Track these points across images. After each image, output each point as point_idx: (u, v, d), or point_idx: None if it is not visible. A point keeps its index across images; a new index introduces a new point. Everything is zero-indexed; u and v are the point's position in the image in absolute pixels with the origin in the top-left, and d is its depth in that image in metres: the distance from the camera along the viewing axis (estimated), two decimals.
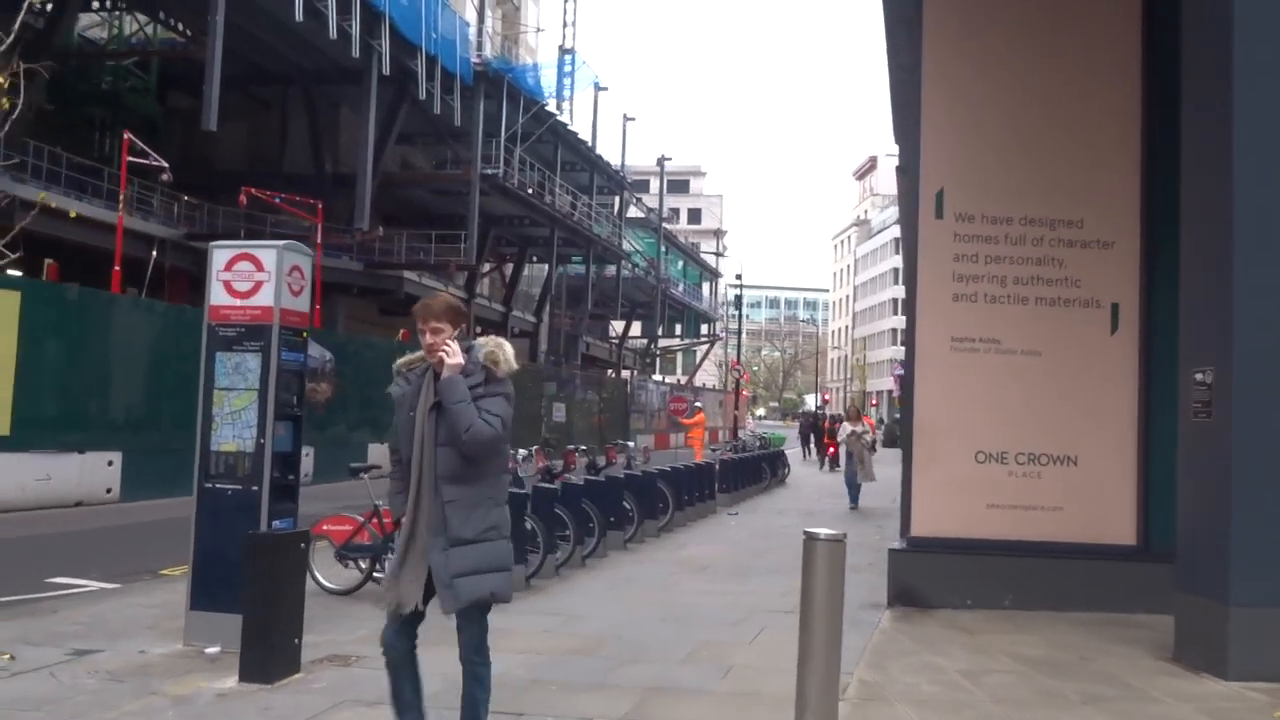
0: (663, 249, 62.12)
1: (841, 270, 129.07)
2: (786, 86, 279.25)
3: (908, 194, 18.76)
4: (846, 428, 17.84)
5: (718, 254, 69.96)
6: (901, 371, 44.48)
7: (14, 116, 7.28)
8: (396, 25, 31.36)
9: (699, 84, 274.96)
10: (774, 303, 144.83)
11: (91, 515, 13.59)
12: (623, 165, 53.39)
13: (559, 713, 5.09)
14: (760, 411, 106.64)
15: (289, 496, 6.30)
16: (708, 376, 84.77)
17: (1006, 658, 6.38)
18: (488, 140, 37.31)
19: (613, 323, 63.67)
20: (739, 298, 53.36)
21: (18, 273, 14.20)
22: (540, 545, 8.70)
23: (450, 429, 3.88)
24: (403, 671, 4.09)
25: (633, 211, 61.29)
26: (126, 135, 19.42)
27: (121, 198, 19.96)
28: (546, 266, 48.60)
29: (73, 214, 21.79)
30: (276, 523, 6.14)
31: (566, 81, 46.84)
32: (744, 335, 57.22)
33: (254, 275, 6.20)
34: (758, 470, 21.05)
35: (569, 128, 45.26)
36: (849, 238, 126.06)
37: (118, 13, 33.80)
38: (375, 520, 8.11)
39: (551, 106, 43.03)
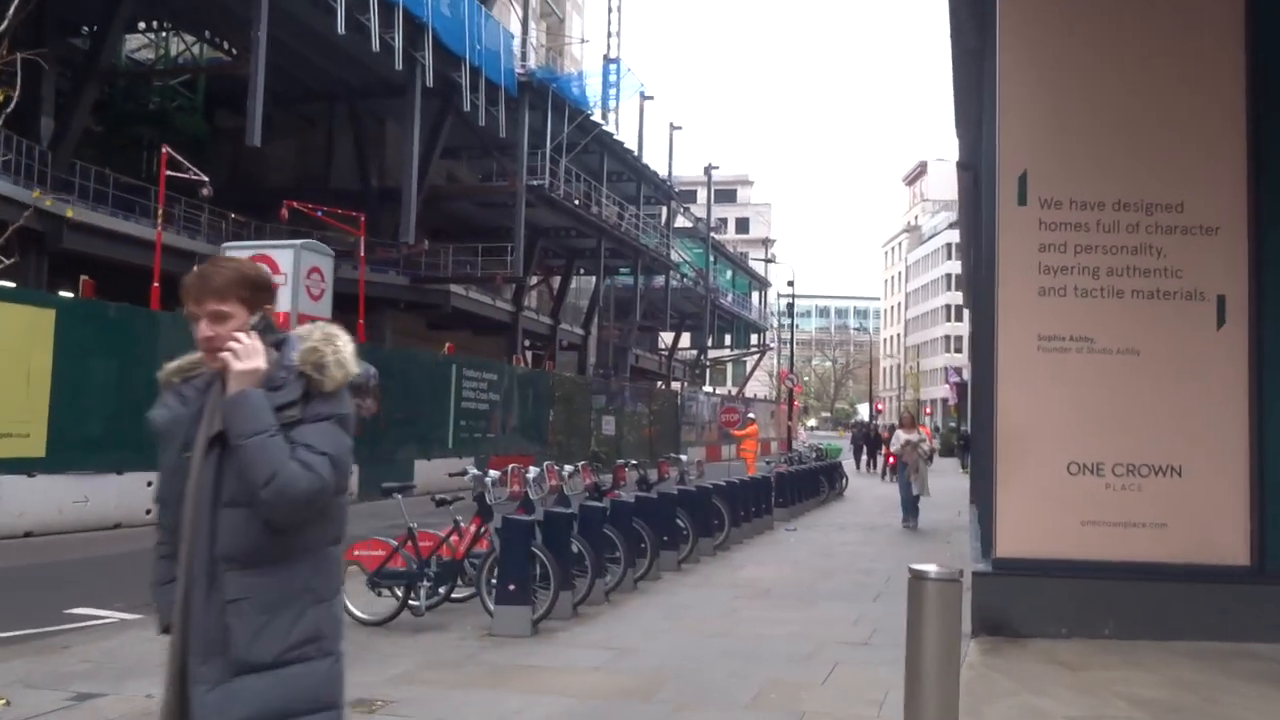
0: (711, 258, 61.39)
1: (892, 277, 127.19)
2: (833, 93, 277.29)
3: (970, 189, 17.95)
4: (900, 436, 16.42)
5: (768, 260, 68.93)
6: (958, 379, 43.33)
7: (8, 109, 6.78)
8: (440, 37, 31.16)
9: (745, 92, 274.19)
10: (824, 312, 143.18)
11: (129, 538, 13.21)
12: (669, 174, 52.83)
13: None
14: (812, 422, 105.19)
15: None
16: (758, 387, 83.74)
17: (1121, 700, 5.57)
18: (533, 151, 36.98)
19: (661, 334, 63.04)
20: (791, 305, 52.37)
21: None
22: (588, 569, 8.06)
23: (241, 478, 2.36)
24: None
25: (680, 221, 60.65)
26: (165, 150, 19.19)
27: (160, 213, 19.77)
28: (594, 278, 48.14)
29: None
30: None
31: (612, 92, 46.49)
32: (796, 343, 56.09)
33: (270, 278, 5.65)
34: (815, 483, 20.26)
35: (615, 137, 44.82)
36: (900, 244, 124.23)
37: (164, 33, 34.02)
38: (410, 544, 7.53)
39: (597, 116, 42.63)
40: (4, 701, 5.25)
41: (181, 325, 2.66)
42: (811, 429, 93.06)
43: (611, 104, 45.74)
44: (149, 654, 6.39)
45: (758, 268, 77.18)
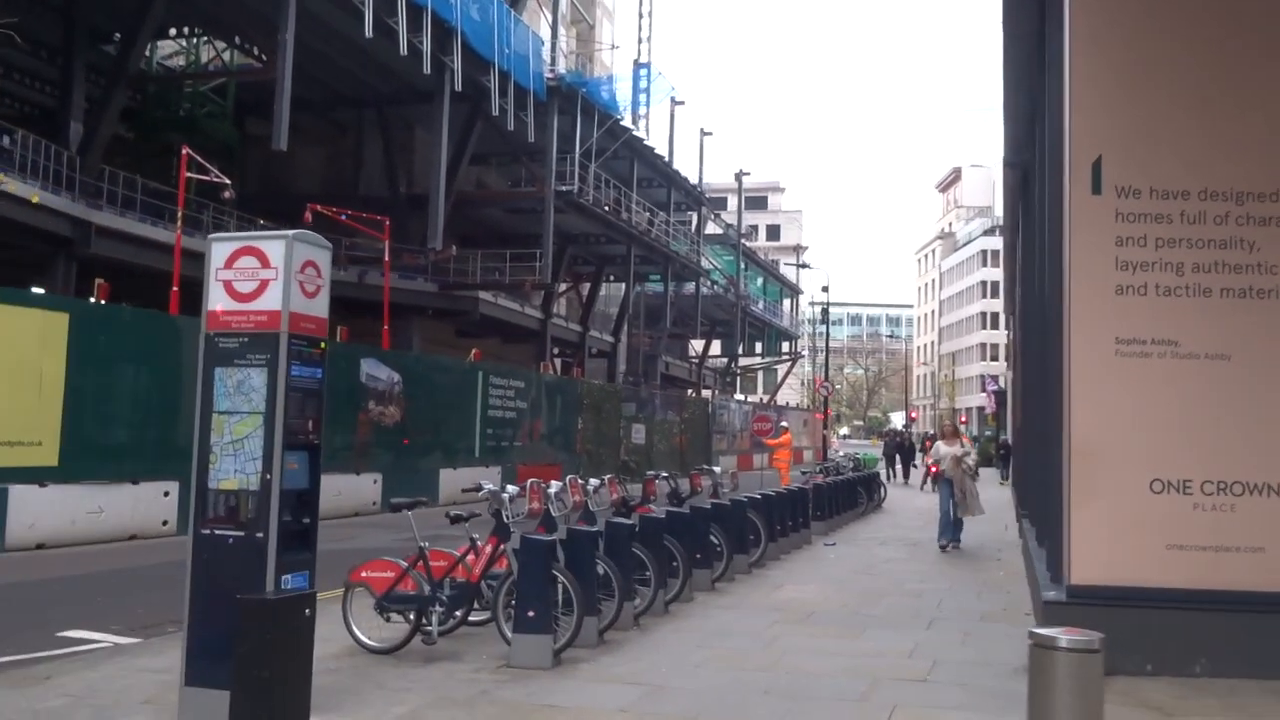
0: (742, 265, 60.64)
1: (926, 285, 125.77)
2: (864, 99, 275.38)
3: (1015, 188, 17.15)
4: (941, 449, 14.63)
5: (800, 265, 68.04)
6: (996, 387, 42.30)
7: None
8: (469, 41, 30.76)
9: (775, 99, 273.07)
10: (855, 319, 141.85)
11: (144, 551, 12.75)
12: (700, 180, 52.20)
13: None
14: (844, 430, 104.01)
15: (303, 545, 5.13)
16: (789, 395, 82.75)
17: None
18: (562, 157, 36.50)
19: (691, 342, 62.34)
20: (826, 310, 51.46)
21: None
22: (615, 592, 7.40)
23: None
24: None
25: (710, 228, 59.99)
26: (185, 150, 18.80)
27: (180, 215, 19.37)
28: (624, 285, 47.56)
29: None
30: (287, 578, 4.97)
31: (642, 97, 45.93)
32: (825, 353, 55.15)
33: (258, 273, 5.08)
34: (853, 494, 19.50)
35: (645, 142, 44.25)
36: (933, 251, 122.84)
37: (194, 40, 33.94)
38: (421, 564, 6.92)
39: (627, 121, 42.09)
40: None
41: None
42: (844, 438, 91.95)
43: (642, 109, 45.17)
44: (131, 688, 5.84)
45: (788, 274, 76.33)
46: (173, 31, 32.90)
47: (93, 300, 14.92)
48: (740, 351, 65.56)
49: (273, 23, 25.84)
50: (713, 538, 9.98)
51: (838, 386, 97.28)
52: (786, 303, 74.72)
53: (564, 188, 36.46)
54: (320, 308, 5.23)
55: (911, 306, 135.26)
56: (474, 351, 24.98)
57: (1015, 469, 22.43)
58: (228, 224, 29.51)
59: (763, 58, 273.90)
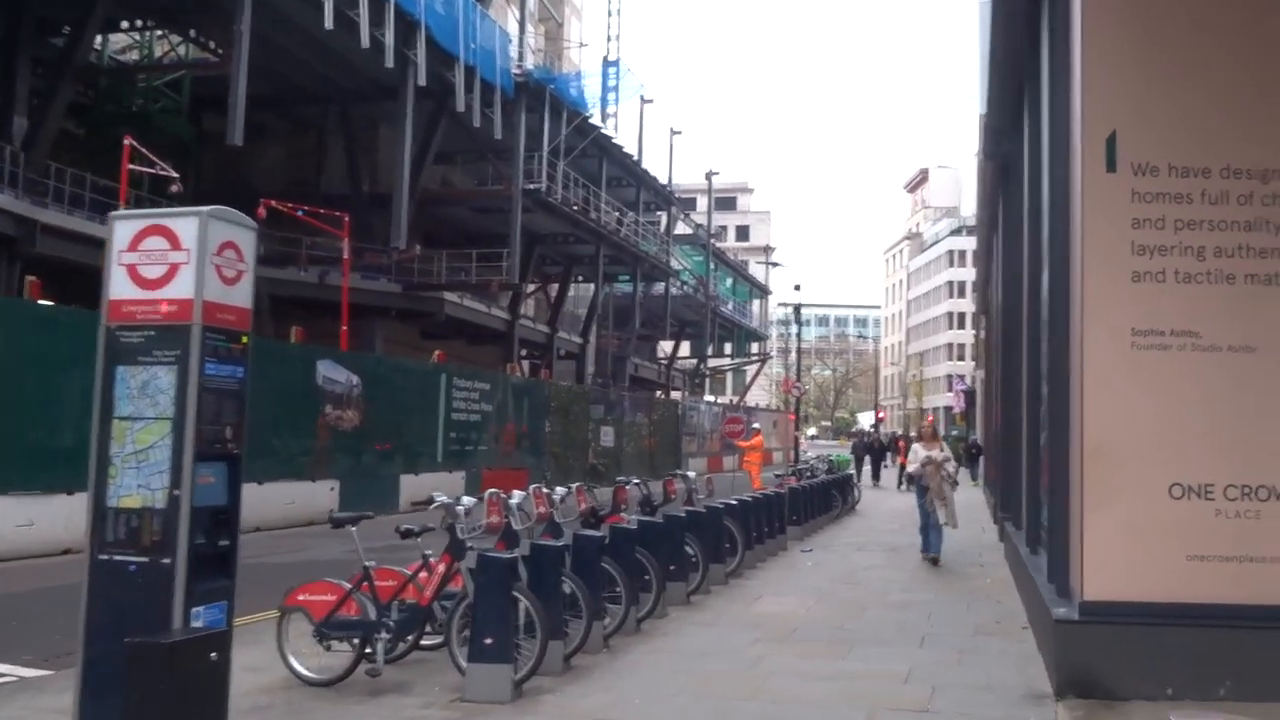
0: (711, 265, 60.16)
1: (893, 285, 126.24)
2: (831, 100, 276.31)
3: (993, 183, 16.69)
4: (920, 452, 13.11)
5: (771, 264, 67.69)
6: (965, 386, 42.06)
7: None
8: (433, 35, 29.98)
9: (743, 100, 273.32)
10: (823, 320, 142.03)
11: (76, 567, 11.84)
12: (670, 180, 51.66)
13: None
14: (811, 431, 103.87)
15: (221, 571, 4.42)
16: (758, 396, 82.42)
17: None
18: (530, 155, 35.78)
19: (660, 343, 61.76)
20: (798, 309, 51.06)
21: None
22: (583, 611, 6.74)
23: None
24: None
25: (679, 228, 59.47)
26: (127, 141, 17.86)
27: (121, 209, 18.42)
28: (592, 286, 46.87)
29: None
30: (199, 610, 4.26)
31: (611, 96, 45.31)
32: (797, 352, 54.76)
33: (167, 255, 4.36)
34: (827, 498, 18.97)
35: (614, 141, 43.63)
36: (901, 252, 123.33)
37: (147, 32, 32.84)
38: (366, 585, 6.22)
39: (596, 119, 41.44)
40: None
41: None
42: (811, 438, 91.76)
43: (611, 107, 44.56)
44: None
45: (757, 275, 75.98)
46: (125, 24, 31.79)
47: (25, 299, 14.01)
48: (710, 352, 65.10)
49: (229, 14, 24.93)
50: (688, 548, 9.35)
51: (806, 387, 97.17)
52: (755, 303, 74.40)
53: (531, 186, 35.76)
54: (242, 296, 4.52)
55: (879, 307, 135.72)
56: (437, 353, 24.17)
57: (991, 470, 21.99)
58: None
59: (731, 59, 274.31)
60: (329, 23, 25.29)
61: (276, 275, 29.17)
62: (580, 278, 48.03)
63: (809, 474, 20.21)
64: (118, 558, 4.30)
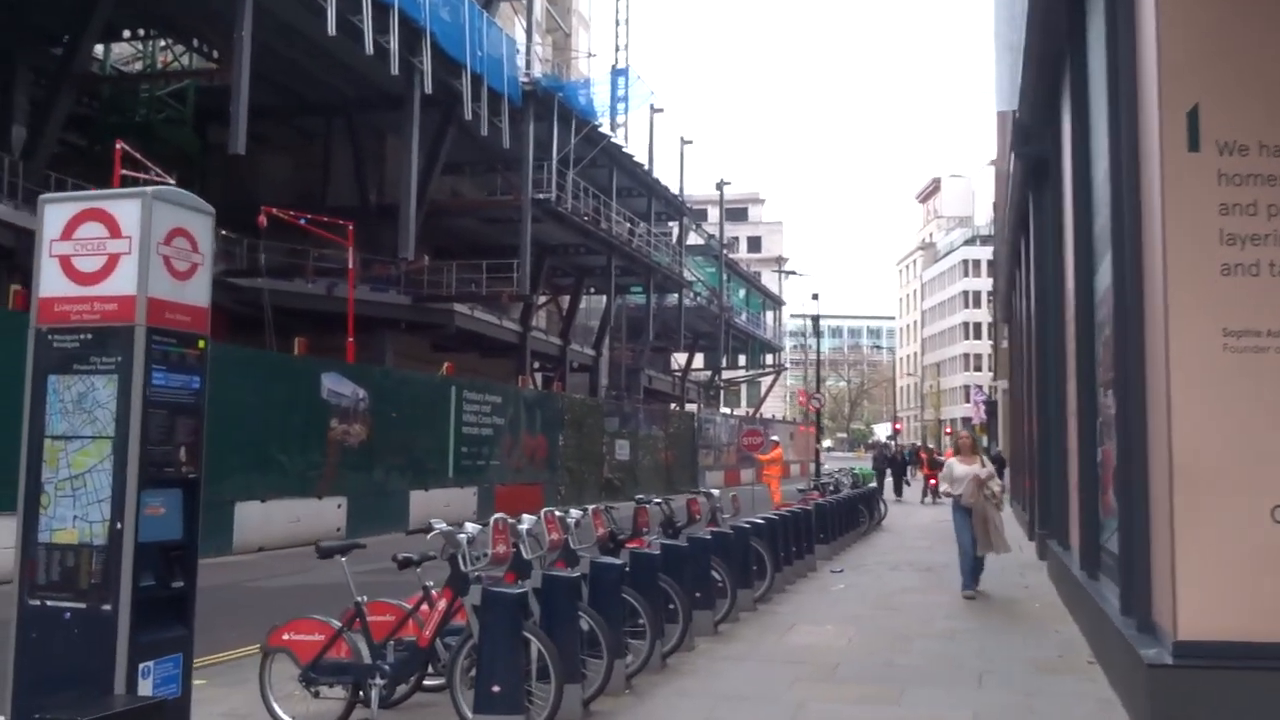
0: (724, 276, 59.45)
1: (907, 295, 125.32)
2: (841, 110, 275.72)
3: (1021, 182, 15.92)
4: (957, 468, 11.11)
5: (788, 272, 66.85)
6: (984, 397, 41.12)
7: None
8: (439, 42, 29.43)
9: (752, 111, 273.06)
10: (836, 331, 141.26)
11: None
12: (681, 189, 51.02)
13: None
14: (827, 443, 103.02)
15: (174, 618, 3.73)
16: (773, 407, 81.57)
17: None
18: (539, 165, 35.20)
19: (674, 355, 61.04)
20: (816, 320, 50.31)
21: None
22: (603, 650, 6.02)
23: None
24: None
25: (691, 239, 58.82)
26: (120, 145, 17.31)
27: None
28: (605, 297, 46.21)
29: None
30: (148, 666, 3.57)
31: (620, 106, 44.77)
32: (815, 363, 54.01)
33: (106, 244, 3.69)
34: (854, 513, 18.16)
35: (624, 150, 43.03)
36: (914, 262, 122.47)
37: (149, 41, 32.45)
38: (359, 622, 5.52)
39: (605, 128, 40.86)
40: None
41: None
42: (827, 450, 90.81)
43: (620, 115, 43.97)
44: None
45: (769, 285, 75.27)
46: (126, 34, 31.40)
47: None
48: (724, 364, 64.34)
49: (230, 23, 24.45)
50: (715, 573, 8.62)
51: (824, 399, 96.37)
52: (769, 315, 73.65)
53: (541, 195, 35.16)
54: (197, 293, 3.84)
55: (893, 318, 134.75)
56: (446, 365, 23.51)
57: (1025, 481, 21.14)
58: None
59: (739, 70, 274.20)
60: (332, 29, 24.78)
61: (283, 288, 28.67)
62: (592, 289, 47.41)
63: (832, 488, 19.44)
64: (50, 603, 3.62)
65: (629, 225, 44.19)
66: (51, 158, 25.17)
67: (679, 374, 60.92)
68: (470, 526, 5.54)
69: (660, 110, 48.63)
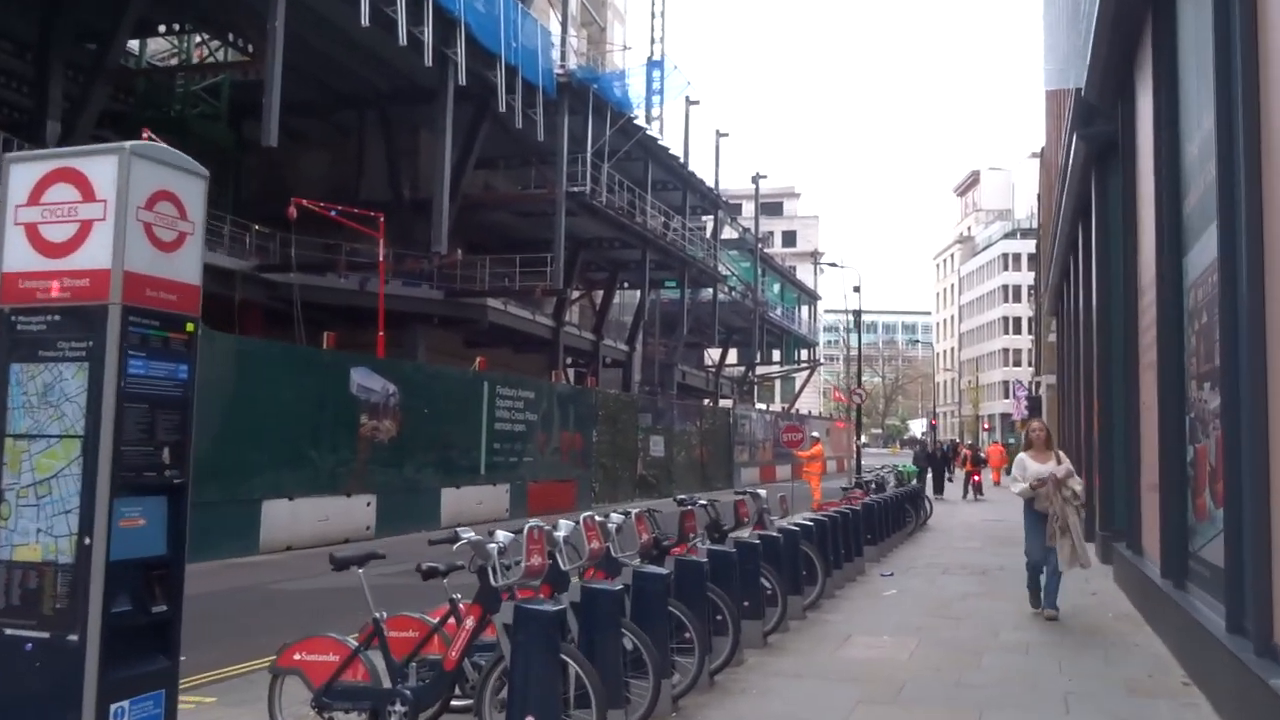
0: (759, 271, 58.64)
1: (945, 290, 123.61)
2: (878, 103, 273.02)
3: (1087, 163, 15.10)
4: (1029, 465, 9.45)
5: (828, 264, 65.77)
6: (1027, 392, 39.94)
7: None
8: (473, 33, 28.97)
9: (788, 105, 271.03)
10: (871, 327, 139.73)
11: None
12: (716, 183, 50.29)
13: None
14: (862, 439, 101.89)
15: (157, 649, 3.18)
16: (807, 403, 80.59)
17: None
18: (573, 158, 34.68)
19: (707, 350, 60.33)
20: (858, 315, 49.42)
21: None
22: (649, 669, 5.43)
23: None
24: None
25: (726, 233, 58.05)
26: (146, 134, 16.94)
27: None
28: (638, 292, 45.63)
29: None
30: (122, 706, 3.03)
31: (655, 99, 44.17)
32: (849, 358, 53.13)
33: (77, 210, 3.15)
34: (900, 513, 17.46)
35: (659, 143, 42.38)
36: (952, 256, 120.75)
37: (184, 35, 32.33)
38: (377, 640, 4.98)
39: (640, 120, 40.23)
40: None
41: None
42: (862, 446, 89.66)
43: (655, 108, 43.37)
44: None
45: (805, 280, 74.32)
46: (162, 29, 31.26)
47: None
48: (758, 359, 63.53)
49: (264, 16, 24.14)
50: (765, 580, 8.01)
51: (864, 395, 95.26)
52: (804, 309, 72.71)
53: (575, 189, 34.65)
54: (185, 268, 3.29)
55: (930, 313, 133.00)
56: (479, 360, 23.05)
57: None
58: (221, 230, 27.82)
59: (775, 63, 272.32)
60: (365, 20, 24.40)
61: (316, 283, 28.41)
62: (626, 284, 46.84)
63: (878, 487, 18.71)
64: (9, 632, 3.09)
65: (663, 219, 43.57)
66: None
67: (713, 369, 60.22)
68: (501, 535, 4.97)
69: (696, 103, 48.03)
